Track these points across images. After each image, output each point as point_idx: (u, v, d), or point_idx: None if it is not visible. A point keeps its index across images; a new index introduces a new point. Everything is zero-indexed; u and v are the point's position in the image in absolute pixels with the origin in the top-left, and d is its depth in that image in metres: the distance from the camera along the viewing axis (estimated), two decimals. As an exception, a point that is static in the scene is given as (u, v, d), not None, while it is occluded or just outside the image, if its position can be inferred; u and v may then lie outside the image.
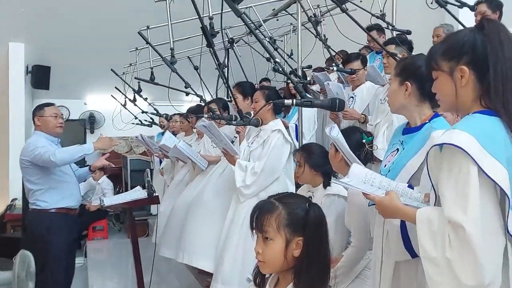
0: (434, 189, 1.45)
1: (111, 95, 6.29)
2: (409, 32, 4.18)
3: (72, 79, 8.19)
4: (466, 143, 1.30)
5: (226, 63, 5.87)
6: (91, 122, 8.74)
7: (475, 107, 1.43)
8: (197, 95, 3.78)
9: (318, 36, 3.27)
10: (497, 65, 1.37)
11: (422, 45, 4.77)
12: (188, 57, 5.98)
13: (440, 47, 1.51)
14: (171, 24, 3.55)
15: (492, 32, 1.40)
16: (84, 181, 4.28)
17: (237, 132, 3.42)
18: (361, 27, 2.61)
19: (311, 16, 3.22)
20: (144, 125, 6.76)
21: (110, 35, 7.03)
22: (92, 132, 8.81)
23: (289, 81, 4.25)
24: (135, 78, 5.03)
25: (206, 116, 3.26)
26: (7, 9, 6.73)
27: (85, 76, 8.19)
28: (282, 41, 6.36)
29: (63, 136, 3.74)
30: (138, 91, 5.44)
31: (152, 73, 4.75)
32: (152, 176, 6.57)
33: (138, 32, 3.63)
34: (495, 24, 1.42)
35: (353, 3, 3.90)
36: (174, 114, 5.92)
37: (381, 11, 4.28)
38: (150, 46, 3.86)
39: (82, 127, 8.87)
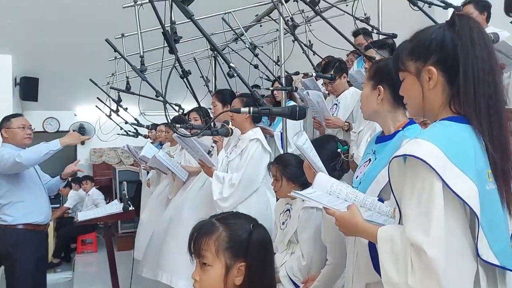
0: (398, 206, 1.30)
1: (96, 106, 6.16)
2: (394, 36, 4.02)
3: (61, 90, 8.08)
4: (429, 154, 1.15)
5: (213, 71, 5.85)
6: (81, 133, 8.59)
7: (444, 113, 1.28)
8: (169, 104, 3.61)
9: (296, 41, 3.13)
10: (468, 65, 1.21)
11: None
12: (174, 65, 5.90)
13: (407, 46, 1.36)
14: (140, 32, 3.41)
15: (463, 28, 1.24)
16: (58, 192, 4.07)
17: (215, 142, 3.27)
18: (338, 31, 2.47)
19: (288, 21, 3.08)
20: (129, 135, 6.62)
21: (96, 45, 6.91)
22: (82, 143, 8.67)
23: (272, 88, 4.19)
24: (111, 87, 4.89)
25: (179, 126, 3.10)
26: (-7, 21, 6.64)
27: (74, 86, 8.08)
28: (270, 47, 6.24)
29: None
30: (118, 101, 5.30)
31: (127, 82, 4.60)
32: (139, 187, 6.49)
33: (105, 40, 3.48)
34: (466, 20, 1.26)
35: (333, 6, 3.79)
36: (160, 124, 5.78)
37: (365, 14, 4.18)
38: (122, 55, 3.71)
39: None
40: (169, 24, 2.54)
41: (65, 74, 7.65)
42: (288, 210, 2.70)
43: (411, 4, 3.37)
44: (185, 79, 5.61)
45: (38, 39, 6.99)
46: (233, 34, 4.36)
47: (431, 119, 1.33)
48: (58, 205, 7.70)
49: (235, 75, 1.77)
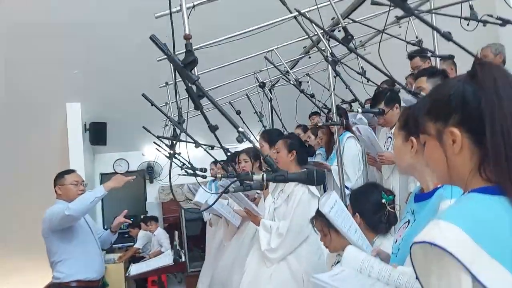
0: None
1: (155, 148, 6.25)
2: (451, 57, 3.75)
3: (129, 132, 8.36)
4: (453, 242, 0.92)
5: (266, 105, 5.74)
6: (149, 172, 8.84)
7: (474, 182, 1.04)
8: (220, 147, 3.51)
9: (338, 76, 2.95)
10: (495, 124, 0.99)
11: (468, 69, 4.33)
12: (229, 102, 5.91)
13: (424, 104, 1.14)
14: (175, 81, 3.35)
15: (487, 80, 1.02)
16: (110, 244, 4.10)
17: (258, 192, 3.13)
18: (370, 64, 2.24)
19: (327, 56, 2.91)
20: (189, 174, 6.63)
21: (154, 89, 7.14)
22: (151, 182, 8.91)
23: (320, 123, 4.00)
24: (158, 137, 4.90)
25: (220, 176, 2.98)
26: (62, 72, 7.03)
27: (139, 128, 8.32)
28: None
29: (125, 187, 3.65)
30: (172, 144, 5.32)
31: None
32: (205, 225, 6.47)
33: (142, 94, 3.46)
34: (489, 69, 1.04)
35: (387, 34, 3.58)
36: (212, 162, 5.74)
37: (416, 37, 3.91)
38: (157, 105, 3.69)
39: (141, 178, 8.99)
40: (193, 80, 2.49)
41: (131, 116, 7.91)
42: (339, 261, 2.49)
43: (461, 23, 3.14)
44: (240, 115, 5.62)
45: (104, 86, 7.33)
46: (282, 69, 4.24)
47: (462, 188, 1.11)
48: (132, 244, 7.85)
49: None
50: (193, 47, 3.74)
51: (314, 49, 4.45)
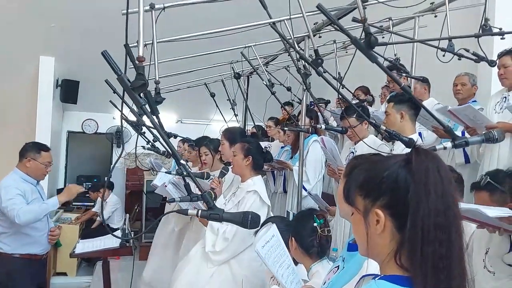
0: None
1: (122, 118, 6.14)
2: (425, 80, 3.79)
3: (101, 94, 8.18)
4: None
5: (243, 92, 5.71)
6: (117, 136, 8.72)
7: (388, 267, 1.06)
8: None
9: (306, 90, 2.93)
10: (417, 218, 0.99)
11: (444, 91, 4.39)
12: (205, 83, 5.85)
13: (358, 177, 1.14)
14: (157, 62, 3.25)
15: (419, 170, 1.01)
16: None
17: (212, 189, 3.12)
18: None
19: (299, 69, 2.88)
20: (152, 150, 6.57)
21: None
22: (118, 146, 8.81)
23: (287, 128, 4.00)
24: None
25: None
26: (38, 24, 6.79)
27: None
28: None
29: (91, 148, 3.58)
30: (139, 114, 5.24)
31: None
32: (163, 204, 6.46)
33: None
34: (424, 158, 1.03)
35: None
36: (180, 140, 5.70)
37: (395, 55, 3.91)
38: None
39: (109, 142, 8.88)
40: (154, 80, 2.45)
41: (104, 78, 7.74)
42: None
43: (438, 54, 3.15)
44: (214, 99, 5.56)
45: (80, 43, 7.10)
46: (255, 66, 4.20)
47: (380, 268, 1.13)
48: (92, 204, 7.80)
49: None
50: (177, 38, 3.68)
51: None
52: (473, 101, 3.94)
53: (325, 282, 1.70)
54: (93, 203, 7.78)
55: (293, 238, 2.17)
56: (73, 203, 8.52)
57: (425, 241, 0.99)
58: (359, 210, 1.10)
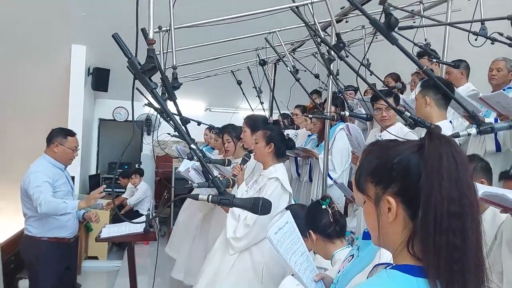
0: None
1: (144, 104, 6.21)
2: (456, 66, 3.65)
3: (131, 82, 8.29)
4: None
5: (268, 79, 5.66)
6: (147, 124, 8.83)
7: (400, 256, 1.01)
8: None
9: (330, 76, 2.87)
10: (429, 205, 0.94)
11: (478, 77, 4.22)
12: (232, 71, 5.82)
13: (369, 164, 1.08)
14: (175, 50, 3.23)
15: (432, 155, 0.96)
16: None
17: (234, 176, 3.10)
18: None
19: (323, 53, 2.82)
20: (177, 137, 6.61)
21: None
22: (148, 134, 8.92)
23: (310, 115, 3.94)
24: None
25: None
26: (70, 12, 6.91)
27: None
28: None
29: (122, 135, 3.62)
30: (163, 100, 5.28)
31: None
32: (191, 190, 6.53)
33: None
34: (438, 143, 0.97)
35: (395, 32, 3.46)
36: (207, 128, 5.70)
37: (425, 40, 3.78)
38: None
39: (139, 129, 9.01)
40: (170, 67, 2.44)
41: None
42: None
43: (469, 38, 3.03)
44: (241, 86, 5.54)
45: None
46: (281, 53, 4.14)
47: (393, 256, 1.08)
48: (123, 190, 7.94)
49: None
50: (196, 24, 3.66)
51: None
52: (508, 88, 3.77)
53: (339, 271, 1.66)
54: (124, 190, 7.92)
55: (310, 231, 2.15)
56: (105, 189, 8.70)
57: (437, 230, 0.94)
58: (370, 198, 1.06)
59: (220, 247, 3.08)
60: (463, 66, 4.23)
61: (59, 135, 3.61)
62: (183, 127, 1.60)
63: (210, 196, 1.45)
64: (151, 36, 1.58)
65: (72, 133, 3.69)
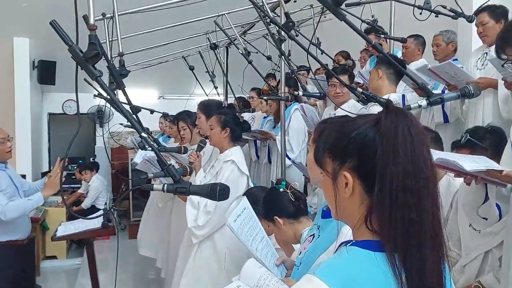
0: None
1: (94, 95, 6.04)
2: (403, 40, 3.72)
3: (79, 73, 8.02)
4: None
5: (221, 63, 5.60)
6: (99, 116, 8.59)
7: (359, 232, 1.01)
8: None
9: (282, 56, 2.86)
10: (385, 180, 0.93)
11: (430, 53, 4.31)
12: (183, 57, 5.72)
13: (328, 138, 1.07)
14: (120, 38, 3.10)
15: (388, 129, 0.95)
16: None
17: (191, 163, 3.05)
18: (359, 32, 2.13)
19: (274, 34, 2.80)
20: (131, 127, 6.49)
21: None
22: (101, 126, 8.68)
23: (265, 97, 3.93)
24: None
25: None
26: (10, 4, 6.59)
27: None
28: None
29: (73, 129, 3.42)
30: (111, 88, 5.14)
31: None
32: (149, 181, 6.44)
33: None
34: (394, 117, 0.96)
35: (342, 9, 3.48)
36: (161, 116, 5.61)
37: (372, 16, 3.83)
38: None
39: (91, 121, 8.75)
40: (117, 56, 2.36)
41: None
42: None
43: (414, 13, 3.08)
44: (193, 72, 5.45)
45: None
46: (231, 36, 4.09)
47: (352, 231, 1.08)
48: (78, 185, 7.72)
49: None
50: (145, 9, 3.55)
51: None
52: (454, 59, 3.88)
53: (300, 253, 1.66)
54: (79, 185, 7.70)
55: (276, 217, 2.10)
56: (62, 186, 8.45)
57: (393, 205, 0.93)
58: (328, 173, 1.05)
59: (186, 238, 3.07)
60: (420, 42, 4.29)
61: None
62: (133, 116, 1.54)
63: (166, 185, 1.41)
64: (91, 21, 1.51)
65: None
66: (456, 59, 3.89)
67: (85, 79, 4.01)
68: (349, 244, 1.01)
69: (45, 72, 7.71)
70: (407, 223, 0.94)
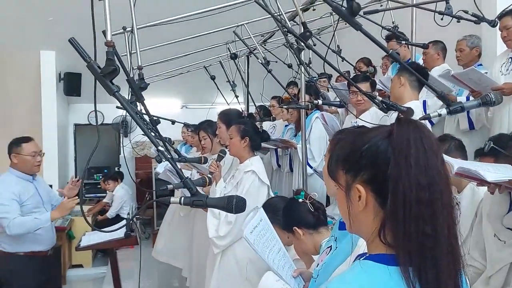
0: None
1: (117, 106, 6.13)
2: (425, 46, 3.66)
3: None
4: None
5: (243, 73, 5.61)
6: (124, 126, 8.69)
7: (373, 245, 1.00)
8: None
9: (300, 65, 2.85)
10: (398, 193, 0.92)
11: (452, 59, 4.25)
12: (204, 66, 5.76)
13: (341, 151, 1.06)
14: (139, 51, 3.15)
15: (400, 141, 0.94)
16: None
17: (211, 173, 3.07)
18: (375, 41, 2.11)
19: (292, 43, 2.80)
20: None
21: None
22: (126, 136, 8.78)
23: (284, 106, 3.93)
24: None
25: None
26: (36, 18, 6.75)
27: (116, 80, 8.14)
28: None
29: (96, 139, 3.44)
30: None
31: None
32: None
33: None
34: (406, 128, 0.95)
35: (362, 16, 3.46)
36: (184, 125, 5.66)
37: (393, 22, 3.79)
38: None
39: (116, 131, 8.88)
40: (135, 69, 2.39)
41: (106, 68, 7.70)
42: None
43: (435, 18, 3.04)
44: (214, 81, 5.50)
45: (79, 35, 7.01)
46: (251, 46, 4.11)
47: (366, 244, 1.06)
48: (104, 194, 7.82)
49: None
50: (166, 22, 3.60)
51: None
52: (478, 65, 3.81)
53: (318, 264, 1.64)
54: (104, 194, 7.82)
55: (295, 228, 2.09)
56: (86, 195, 8.61)
57: (407, 218, 0.92)
58: (341, 185, 1.04)
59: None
60: (440, 47, 4.25)
61: (14, 145, 3.48)
62: (151, 128, 1.56)
63: (183, 198, 1.42)
64: (108, 38, 1.54)
65: (26, 139, 3.53)
66: (481, 65, 3.82)
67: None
68: (362, 258, 1.00)
69: (70, 84, 7.87)
70: (422, 236, 0.92)
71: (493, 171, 1.68)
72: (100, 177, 8.43)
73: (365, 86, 3.55)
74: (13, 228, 3.21)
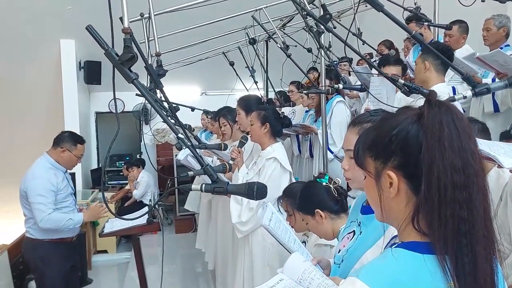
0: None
1: (136, 94, 6.16)
2: (449, 27, 3.57)
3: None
4: None
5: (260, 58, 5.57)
6: (145, 114, 8.74)
7: (406, 233, 0.97)
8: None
9: (320, 49, 2.80)
10: (432, 177, 0.89)
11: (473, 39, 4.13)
12: (223, 52, 5.73)
13: (367, 137, 1.03)
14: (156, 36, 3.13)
15: (432, 124, 0.91)
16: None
17: (232, 159, 3.05)
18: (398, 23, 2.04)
19: (312, 27, 2.75)
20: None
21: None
22: (146, 123, 8.84)
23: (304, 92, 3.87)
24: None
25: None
26: (55, 7, 6.79)
27: (134, 68, 8.17)
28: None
29: (120, 127, 3.51)
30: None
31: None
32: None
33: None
34: (438, 111, 0.92)
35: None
36: (203, 112, 5.65)
37: (415, 3, 3.69)
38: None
39: (136, 119, 8.93)
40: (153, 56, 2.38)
41: (125, 56, 7.73)
42: (304, 242, 2.49)
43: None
44: (233, 67, 5.48)
45: (98, 23, 7.04)
46: (269, 30, 4.06)
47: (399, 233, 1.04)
48: (126, 182, 7.92)
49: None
50: (183, 7, 3.58)
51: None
52: (505, 46, 3.69)
53: (339, 250, 1.62)
54: (126, 181, 7.92)
55: (318, 210, 2.04)
56: (108, 182, 8.74)
57: (442, 203, 0.89)
58: (370, 173, 1.01)
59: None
60: (464, 29, 4.14)
61: (69, 141, 3.54)
62: (171, 116, 1.55)
63: (204, 185, 1.41)
64: (126, 24, 1.53)
65: (82, 141, 3.63)
66: (508, 45, 3.71)
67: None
68: (395, 246, 0.98)
69: (91, 72, 7.92)
70: (458, 221, 0.90)
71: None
72: (122, 164, 8.54)
73: (396, 70, 3.48)
74: (46, 222, 3.29)
